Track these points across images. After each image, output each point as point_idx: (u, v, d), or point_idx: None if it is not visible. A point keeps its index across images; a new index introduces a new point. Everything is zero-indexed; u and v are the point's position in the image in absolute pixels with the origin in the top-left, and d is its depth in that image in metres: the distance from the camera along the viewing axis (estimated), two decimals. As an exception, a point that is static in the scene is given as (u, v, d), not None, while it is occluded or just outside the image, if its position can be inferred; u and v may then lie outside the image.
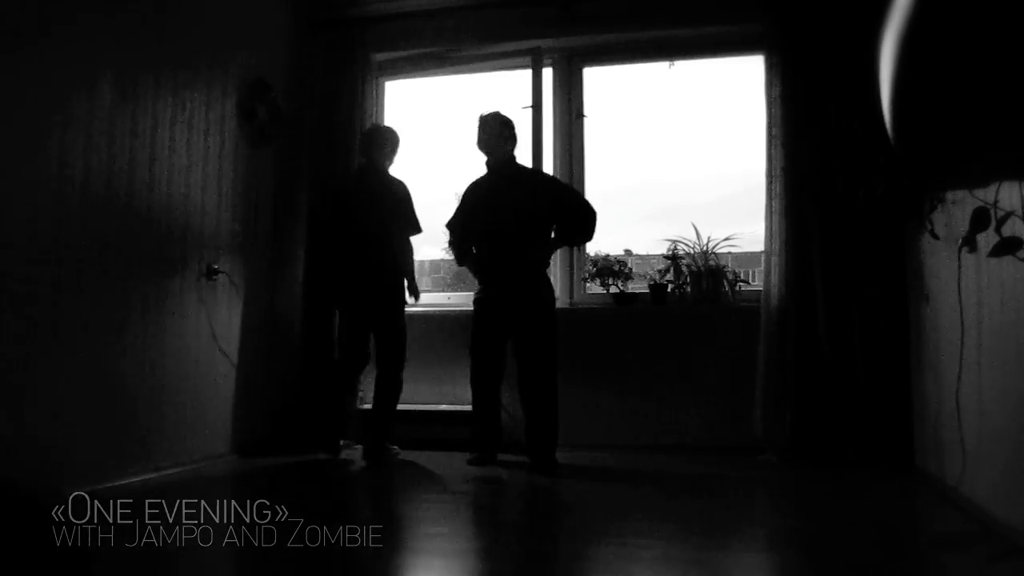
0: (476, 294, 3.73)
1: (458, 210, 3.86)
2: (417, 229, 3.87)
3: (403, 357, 3.79)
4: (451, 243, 3.92)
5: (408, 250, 3.85)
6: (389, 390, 3.76)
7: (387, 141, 3.94)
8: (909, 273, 3.51)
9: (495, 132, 3.72)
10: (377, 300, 3.78)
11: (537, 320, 3.56)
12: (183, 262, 3.47)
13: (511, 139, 3.77)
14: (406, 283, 3.83)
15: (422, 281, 6.97)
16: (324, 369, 4.06)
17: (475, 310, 3.71)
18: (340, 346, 3.97)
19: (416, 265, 3.93)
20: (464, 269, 3.97)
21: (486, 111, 3.78)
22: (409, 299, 3.86)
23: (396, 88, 4.80)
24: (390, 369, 3.76)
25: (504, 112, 3.79)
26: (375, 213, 3.78)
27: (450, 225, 3.88)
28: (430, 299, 4.66)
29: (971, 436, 2.48)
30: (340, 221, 3.87)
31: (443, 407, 4.20)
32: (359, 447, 3.89)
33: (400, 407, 3.97)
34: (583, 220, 3.68)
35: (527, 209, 3.63)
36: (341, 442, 3.87)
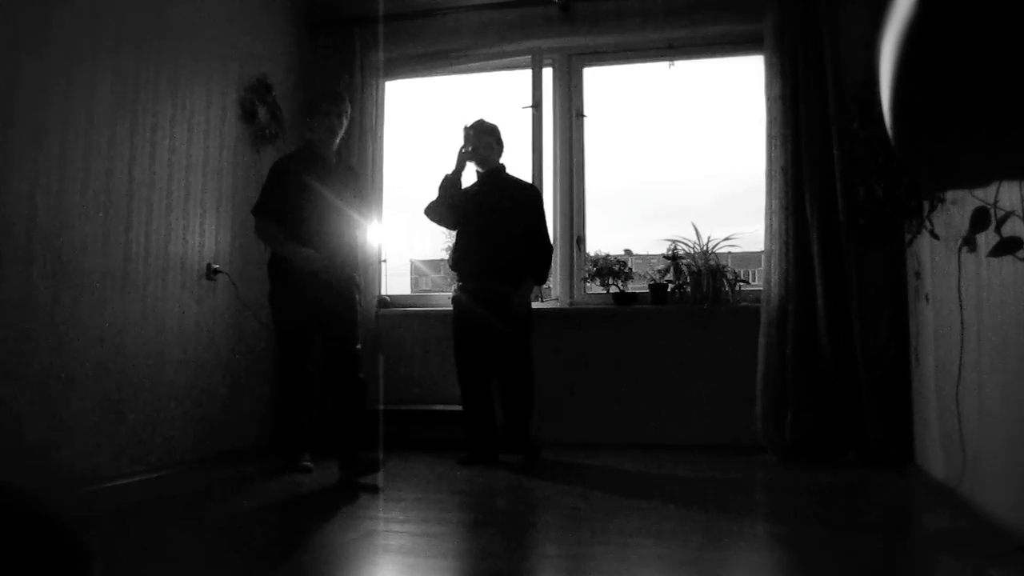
0: (455, 292, 3.76)
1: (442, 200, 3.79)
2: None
3: (360, 356, 3.40)
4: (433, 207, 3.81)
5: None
6: (356, 394, 3.35)
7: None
8: (909, 273, 3.51)
9: (485, 142, 3.74)
10: (330, 293, 3.35)
11: (515, 320, 3.62)
12: (183, 262, 3.47)
13: (500, 145, 3.80)
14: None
15: (421, 280, 6.92)
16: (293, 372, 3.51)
17: (455, 312, 3.73)
18: (286, 345, 3.45)
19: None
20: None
21: (469, 121, 3.78)
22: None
23: (396, 88, 4.81)
24: (351, 371, 3.35)
25: (488, 119, 3.80)
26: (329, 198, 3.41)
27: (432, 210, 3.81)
28: (429, 299, 4.66)
29: (971, 436, 2.48)
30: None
31: (440, 407, 4.19)
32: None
33: (398, 408, 3.93)
34: (540, 260, 3.72)
35: (515, 222, 3.67)
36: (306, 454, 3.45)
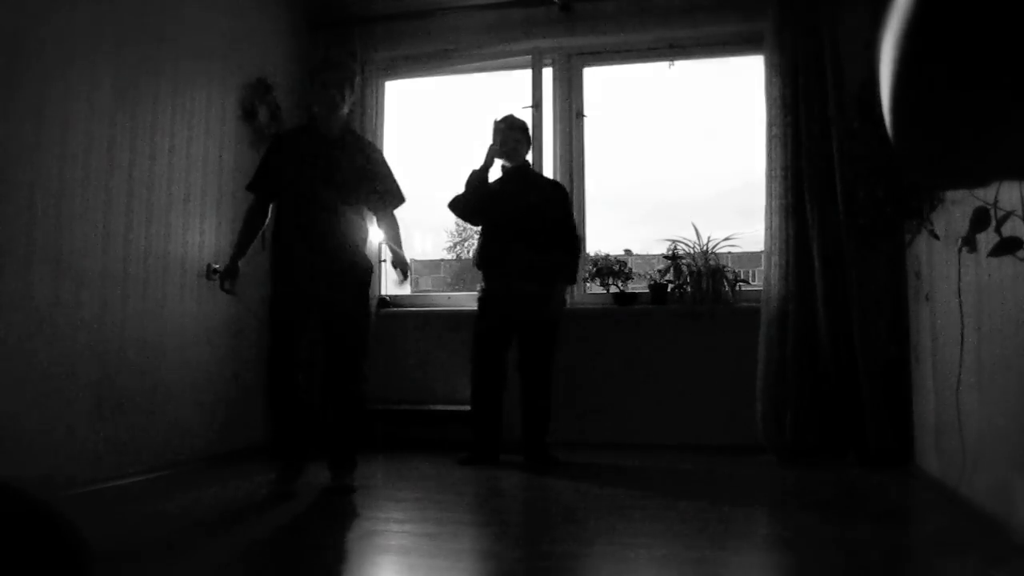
0: (481, 293, 3.73)
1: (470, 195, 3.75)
2: (401, 199, 3.16)
3: (366, 356, 3.01)
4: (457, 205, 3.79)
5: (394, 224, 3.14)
6: (352, 402, 2.95)
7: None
8: (909, 273, 3.51)
9: (515, 137, 3.73)
10: (332, 283, 2.93)
11: (545, 321, 3.60)
12: (183, 262, 3.47)
13: (528, 142, 3.80)
14: (392, 257, 3.11)
15: (421, 280, 6.89)
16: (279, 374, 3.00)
17: (480, 310, 3.71)
18: (272, 336, 2.99)
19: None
20: (465, 269, 3.94)
21: (500, 116, 3.76)
22: (397, 276, 3.06)
23: (396, 88, 4.81)
24: (351, 375, 2.94)
25: (517, 115, 3.80)
26: (335, 176, 2.97)
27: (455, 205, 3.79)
28: (430, 299, 4.66)
29: (971, 436, 2.48)
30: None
31: (440, 407, 4.20)
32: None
33: (398, 408, 3.90)
34: (569, 261, 3.68)
35: (543, 218, 3.65)
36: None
